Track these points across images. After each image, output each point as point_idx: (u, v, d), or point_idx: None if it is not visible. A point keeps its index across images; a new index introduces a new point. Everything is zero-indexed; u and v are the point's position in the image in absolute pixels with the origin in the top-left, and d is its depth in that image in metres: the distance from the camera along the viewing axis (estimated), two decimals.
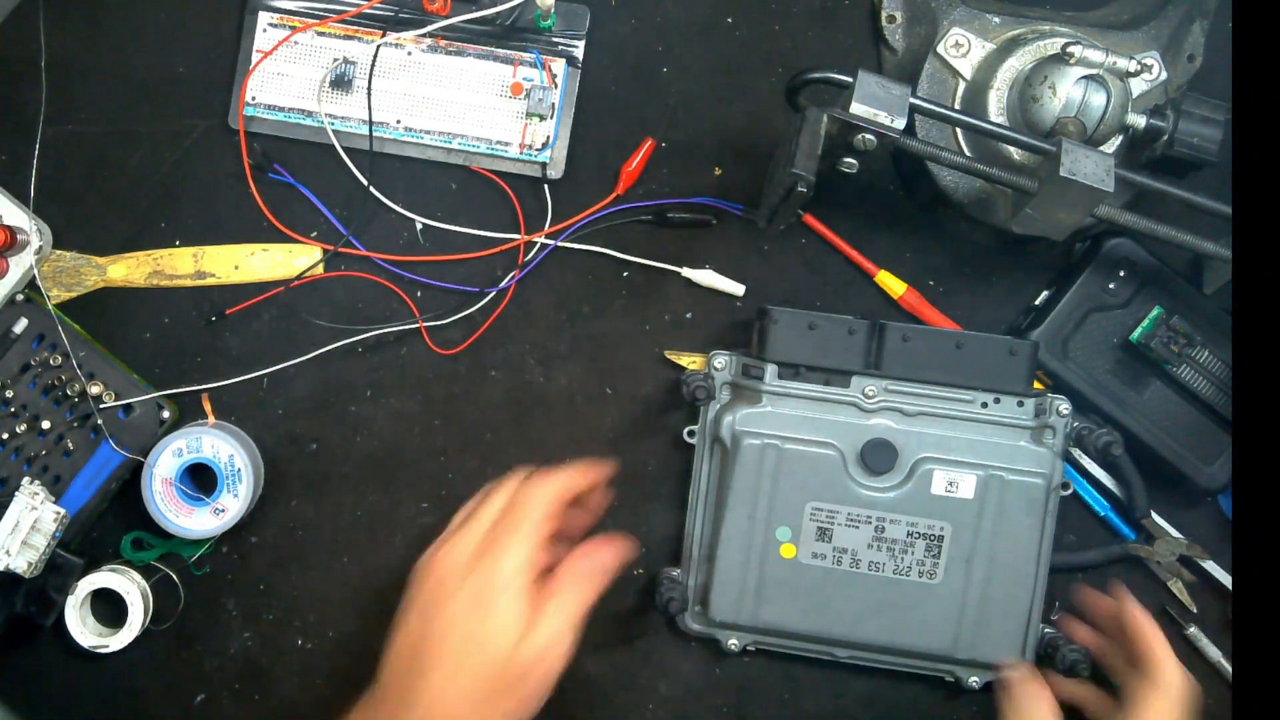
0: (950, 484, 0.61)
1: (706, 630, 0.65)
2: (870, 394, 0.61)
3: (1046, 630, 0.65)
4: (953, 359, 0.61)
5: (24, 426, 0.68)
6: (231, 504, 0.67)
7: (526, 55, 0.70)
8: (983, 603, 0.62)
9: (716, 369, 0.64)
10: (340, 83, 0.69)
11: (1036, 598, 0.63)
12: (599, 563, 0.55)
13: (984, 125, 0.62)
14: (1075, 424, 0.63)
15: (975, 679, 0.64)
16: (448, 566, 0.54)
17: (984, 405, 0.62)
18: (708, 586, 0.63)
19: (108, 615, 0.69)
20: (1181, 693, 0.58)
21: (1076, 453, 0.71)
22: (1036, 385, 0.70)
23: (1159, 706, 0.57)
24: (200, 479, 0.68)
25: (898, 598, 0.62)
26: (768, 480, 0.61)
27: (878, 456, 0.61)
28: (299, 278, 0.70)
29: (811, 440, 0.61)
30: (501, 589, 0.52)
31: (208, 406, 0.70)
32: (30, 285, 0.69)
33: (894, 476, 0.61)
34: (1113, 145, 0.65)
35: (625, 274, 0.71)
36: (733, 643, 0.64)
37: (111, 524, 0.70)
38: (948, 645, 0.62)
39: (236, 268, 0.70)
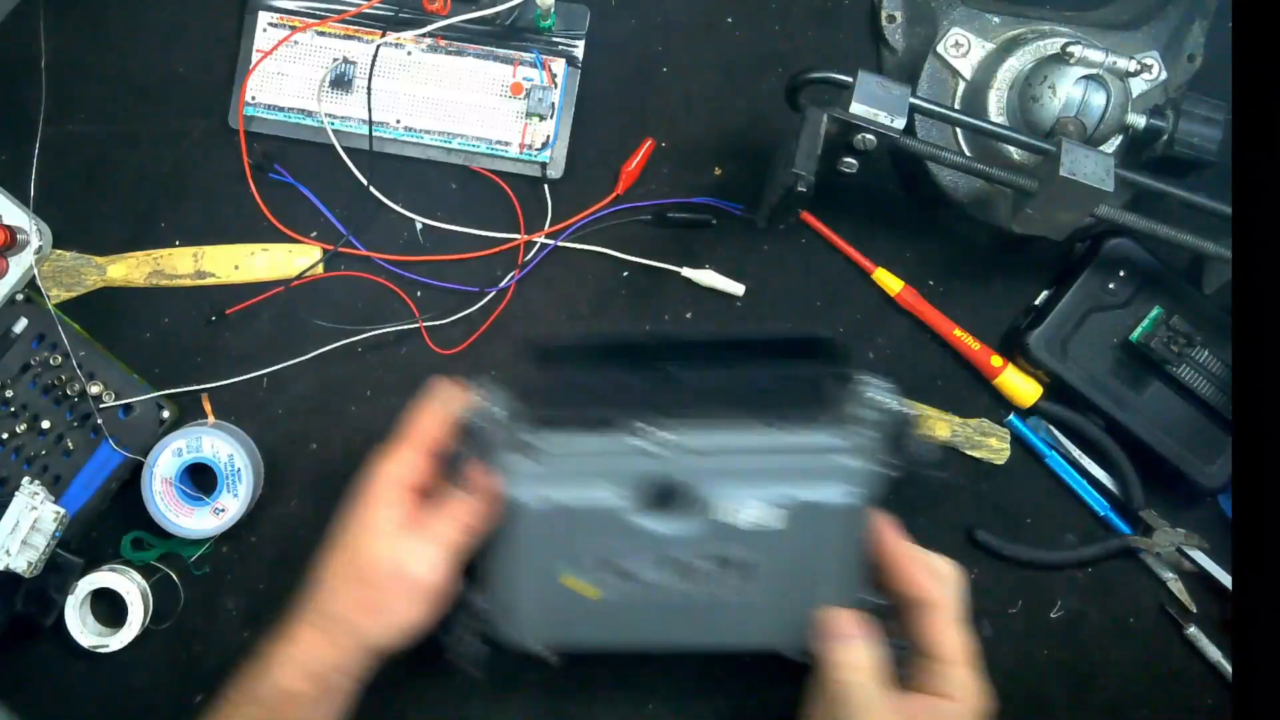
0: (754, 516, 0.55)
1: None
2: (654, 436, 0.55)
3: (867, 599, 0.58)
4: (754, 396, 0.55)
5: (24, 426, 0.68)
6: (231, 504, 0.67)
7: (526, 55, 0.70)
8: (809, 601, 0.56)
9: (489, 413, 0.56)
10: (340, 83, 0.69)
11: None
12: (454, 527, 0.56)
13: (984, 125, 0.62)
14: (896, 411, 0.55)
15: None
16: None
17: (778, 430, 0.56)
18: (510, 617, 0.58)
19: (108, 615, 0.69)
20: (955, 609, 0.55)
21: (1076, 452, 0.71)
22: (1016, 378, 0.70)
23: (955, 638, 0.54)
24: (200, 479, 0.68)
25: (716, 615, 0.57)
26: (553, 536, 0.56)
27: (668, 500, 0.55)
28: (299, 277, 0.70)
29: (593, 490, 0.55)
30: (371, 490, 0.56)
31: (207, 406, 0.70)
32: (30, 285, 0.69)
33: (690, 515, 0.55)
34: (1113, 145, 0.65)
35: (625, 274, 0.71)
36: (553, 657, 0.59)
37: (111, 524, 0.69)
38: (784, 639, 0.58)
39: (236, 268, 0.70)
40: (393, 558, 0.55)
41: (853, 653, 0.54)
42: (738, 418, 0.55)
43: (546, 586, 0.56)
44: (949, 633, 0.54)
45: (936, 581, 0.55)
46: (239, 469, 0.67)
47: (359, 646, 0.56)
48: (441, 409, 0.58)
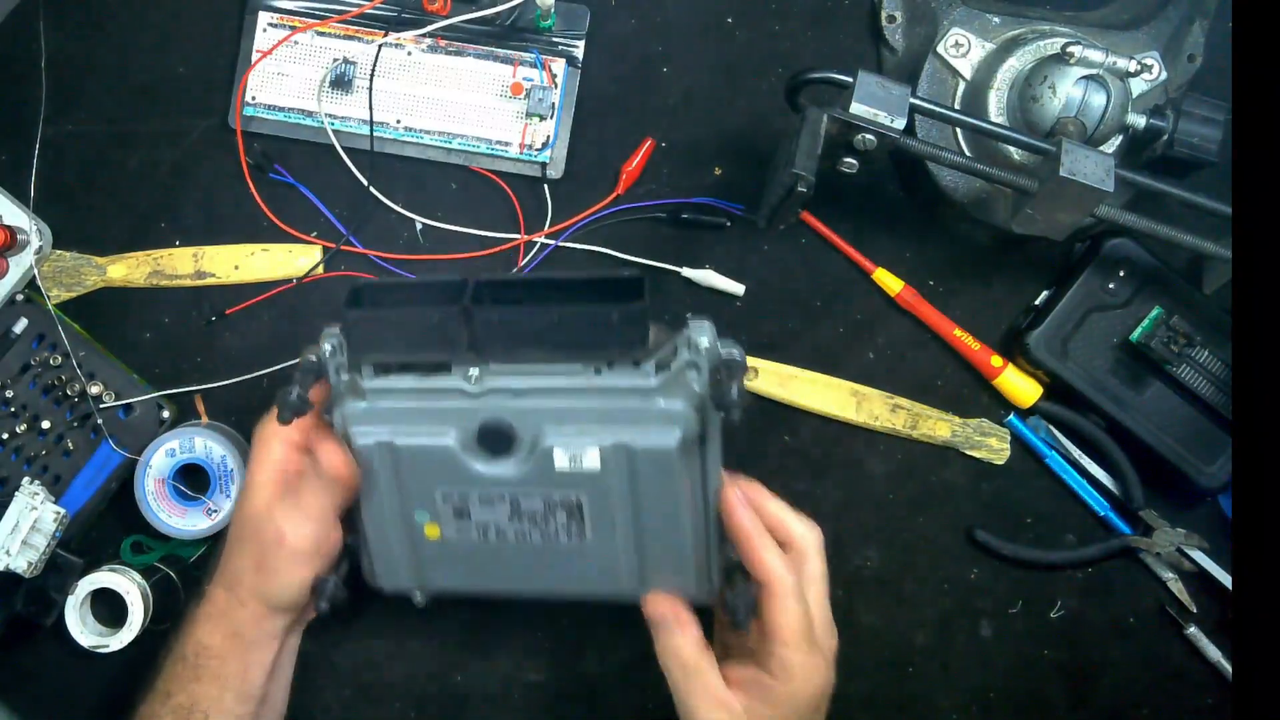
0: (573, 458, 0.55)
1: (389, 590, 0.62)
2: (473, 378, 0.55)
3: (732, 557, 0.57)
4: (552, 333, 0.54)
5: (24, 426, 0.68)
6: (224, 505, 0.67)
7: (526, 55, 0.70)
8: (641, 551, 0.57)
9: (326, 354, 0.57)
10: (340, 83, 0.69)
11: (710, 528, 0.57)
12: (335, 473, 0.57)
13: (984, 125, 0.62)
14: (720, 354, 0.54)
15: None
16: None
17: (597, 372, 0.55)
18: (371, 560, 0.61)
19: (108, 615, 0.69)
20: (789, 591, 0.53)
21: (1075, 451, 0.71)
22: (1008, 371, 0.70)
23: (783, 619, 0.53)
24: (195, 479, 0.68)
25: (554, 559, 0.58)
26: (390, 474, 0.57)
27: (493, 440, 0.56)
28: (305, 276, 0.70)
29: (424, 431, 0.56)
30: (256, 454, 0.58)
31: (201, 407, 0.70)
32: (30, 285, 0.69)
33: (516, 456, 0.56)
34: (1113, 145, 0.65)
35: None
36: (418, 596, 0.61)
37: (111, 524, 0.70)
38: (618, 589, 0.59)
39: (236, 268, 0.70)
40: (273, 525, 0.57)
41: (670, 638, 0.55)
42: (561, 360, 0.55)
43: (397, 526, 0.59)
44: (782, 612, 0.53)
45: (774, 559, 0.54)
46: (232, 470, 0.67)
47: (262, 604, 0.59)
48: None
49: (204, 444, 0.67)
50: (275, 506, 0.57)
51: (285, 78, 0.70)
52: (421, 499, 0.58)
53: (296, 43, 0.70)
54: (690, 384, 0.54)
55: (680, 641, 0.55)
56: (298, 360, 0.57)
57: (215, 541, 0.69)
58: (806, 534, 0.56)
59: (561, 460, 0.56)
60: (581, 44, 0.70)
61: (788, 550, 0.55)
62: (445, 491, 0.58)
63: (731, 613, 0.55)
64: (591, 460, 0.55)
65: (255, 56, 0.70)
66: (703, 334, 0.53)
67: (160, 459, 0.67)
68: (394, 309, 0.56)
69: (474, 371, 0.56)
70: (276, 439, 0.58)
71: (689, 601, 0.58)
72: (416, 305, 0.56)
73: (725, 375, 0.52)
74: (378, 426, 0.57)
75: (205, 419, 0.70)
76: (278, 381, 0.70)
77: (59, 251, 0.69)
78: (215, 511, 0.67)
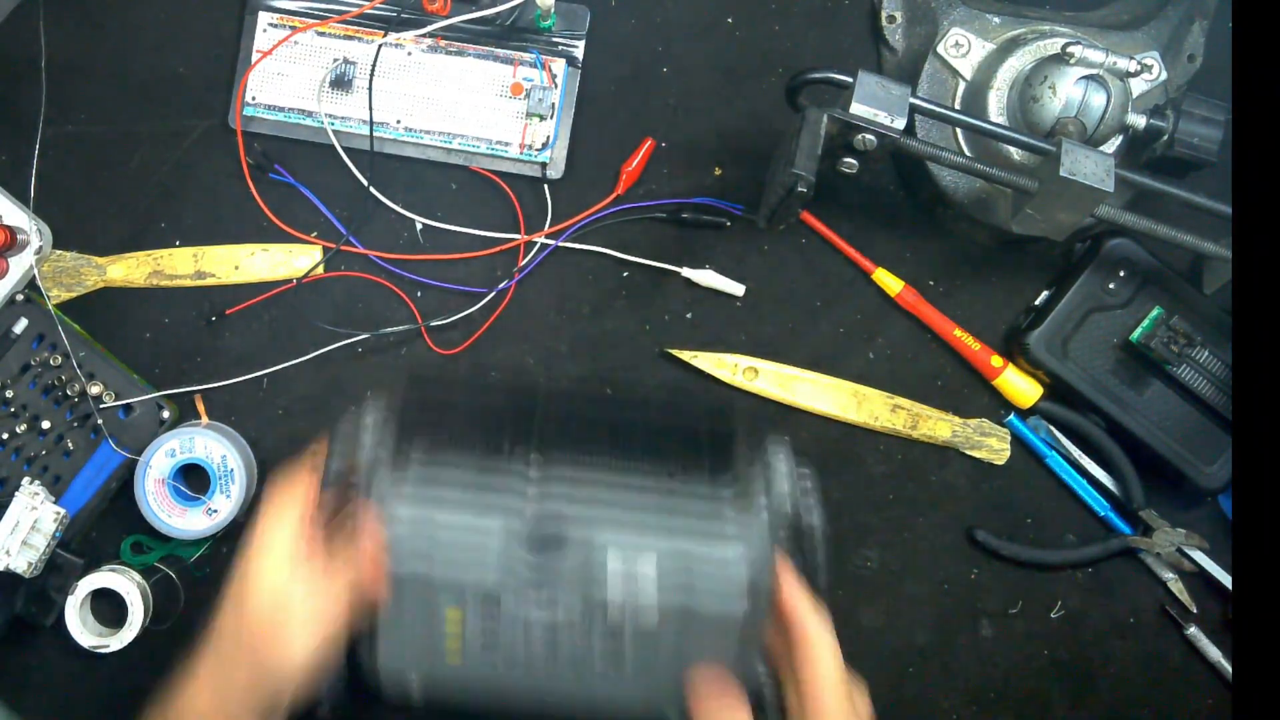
0: (628, 566, 0.49)
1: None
2: (533, 474, 0.50)
3: (762, 670, 0.53)
4: (623, 431, 0.50)
5: (24, 426, 0.68)
6: (224, 505, 0.67)
7: (526, 55, 0.70)
8: (678, 683, 0.51)
9: (365, 427, 0.52)
10: (340, 83, 0.69)
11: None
12: (362, 564, 0.52)
13: (984, 125, 0.62)
14: (799, 486, 0.51)
15: None
16: None
17: (670, 474, 0.50)
18: (376, 653, 0.53)
19: (108, 615, 0.69)
20: (831, 650, 0.51)
21: (1075, 451, 0.71)
22: (1014, 371, 0.70)
23: (825, 672, 0.50)
24: (195, 480, 0.68)
25: (579, 683, 0.51)
26: (424, 561, 0.50)
27: (543, 544, 0.49)
28: (304, 276, 0.70)
29: (468, 525, 0.50)
30: (267, 516, 0.52)
31: (201, 407, 0.70)
32: (30, 285, 0.69)
33: (565, 558, 0.49)
34: (1113, 145, 0.65)
35: (625, 274, 0.71)
36: (415, 693, 0.54)
37: (111, 524, 0.69)
38: (644, 712, 0.52)
39: (236, 268, 0.70)
40: (279, 597, 0.51)
41: (725, 715, 0.51)
42: (630, 463, 0.50)
43: (417, 620, 0.51)
44: (823, 675, 0.50)
45: (820, 626, 0.51)
46: (232, 469, 0.67)
47: (258, 691, 0.52)
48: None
49: (204, 444, 0.67)
50: (286, 577, 0.51)
51: (285, 78, 0.70)
52: (453, 589, 0.51)
53: (296, 43, 0.70)
54: (761, 508, 0.50)
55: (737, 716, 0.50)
56: (335, 428, 0.52)
57: (217, 542, 0.69)
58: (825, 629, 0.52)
59: (614, 565, 0.49)
60: (581, 44, 0.70)
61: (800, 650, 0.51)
62: (481, 586, 0.50)
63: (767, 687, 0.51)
64: (646, 567, 0.49)
65: (255, 56, 0.70)
66: (779, 458, 0.50)
67: (160, 459, 0.67)
68: (466, 402, 0.51)
69: (533, 467, 0.50)
70: (292, 505, 0.53)
71: None
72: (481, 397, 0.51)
73: (803, 542, 0.49)
74: (419, 510, 0.50)
75: (205, 419, 0.70)
76: (278, 382, 0.70)
77: (59, 251, 0.69)
78: (215, 511, 0.67)
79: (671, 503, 0.49)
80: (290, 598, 0.51)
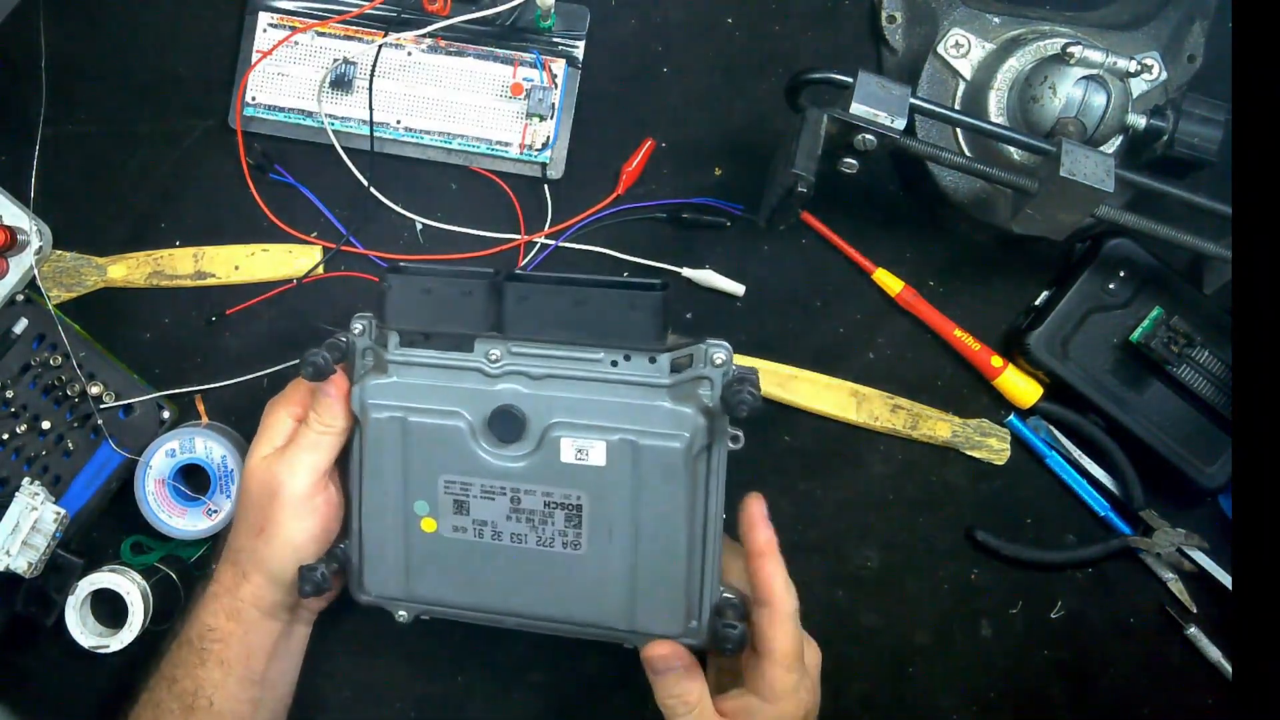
0: (580, 451, 0.56)
1: (373, 601, 0.61)
2: (494, 358, 0.57)
3: (725, 595, 0.58)
4: (576, 316, 0.56)
5: (24, 427, 0.68)
6: (224, 505, 0.67)
7: (526, 55, 0.70)
8: (634, 572, 0.57)
9: (356, 334, 0.60)
10: (340, 83, 0.69)
11: (705, 563, 0.57)
12: (331, 412, 0.59)
13: (984, 125, 0.62)
14: (733, 371, 0.56)
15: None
16: None
17: (614, 364, 0.56)
18: (361, 561, 0.61)
19: (108, 615, 0.69)
20: (790, 613, 0.55)
21: (1075, 451, 0.71)
22: (1023, 379, 0.70)
23: (782, 637, 0.55)
24: (195, 480, 0.68)
25: (544, 570, 0.58)
26: (398, 453, 0.58)
27: (504, 425, 0.57)
28: (305, 276, 0.70)
29: (438, 410, 0.57)
30: (261, 427, 0.61)
31: (201, 407, 0.70)
32: (30, 285, 0.69)
33: (524, 445, 0.57)
34: (1113, 145, 0.65)
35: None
36: (401, 614, 0.61)
37: (111, 524, 0.70)
38: (606, 617, 0.58)
39: (236, 268, 0.70)
40: (269, 479, 0.59)
41: (676, 684, 0.56)
42: (581, 343, 0.57)
43: (396, 515, 0.59)
44: (782, 634, 0.54)
45: (783, 580, 0.55)
46: (232, 469, 0.67)
47: (264, 576, 0.59)
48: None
49: (204, 444, 0.67)
50: (273, 462, 0.59)
51: (285, 78, 0.70)
52: (424, 487, 0.58)
53: (296, 43, 0.70)
54: (701, 396, 0.56)
55: (687, 686, 0.56)
56: (315, 348, 0.58)
57: (217, 542, 0.69)
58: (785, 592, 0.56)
59: (568, 452, 0.56)
60: (581, 44, 0.70)
61: (763, 607, 0.56)
62: (449, 480, 0.58)
63: (722, 641, 0.55)
64: (597, 455, 0.56)
65: (255, 57, 0.70)
66: (720, 350, 0.55)
67: (160, 459, 0.67)
68: (430, 277, 0.58)
69: (495, 352, 0.57)
70: (282, 410, 0.61)
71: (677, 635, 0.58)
72: (451, 279, 0.58)
73: (738, 383, 0.53)
74: (394, 402, 0.58)
75: (205, 419, 0.70)
76: (278, 382, 0.70)
77: (59, 252, 0.69)
78: (215, 512, 0.67)
79: (617, 394, 0.56)
80: (278, 477, 0.58)
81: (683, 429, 0.56)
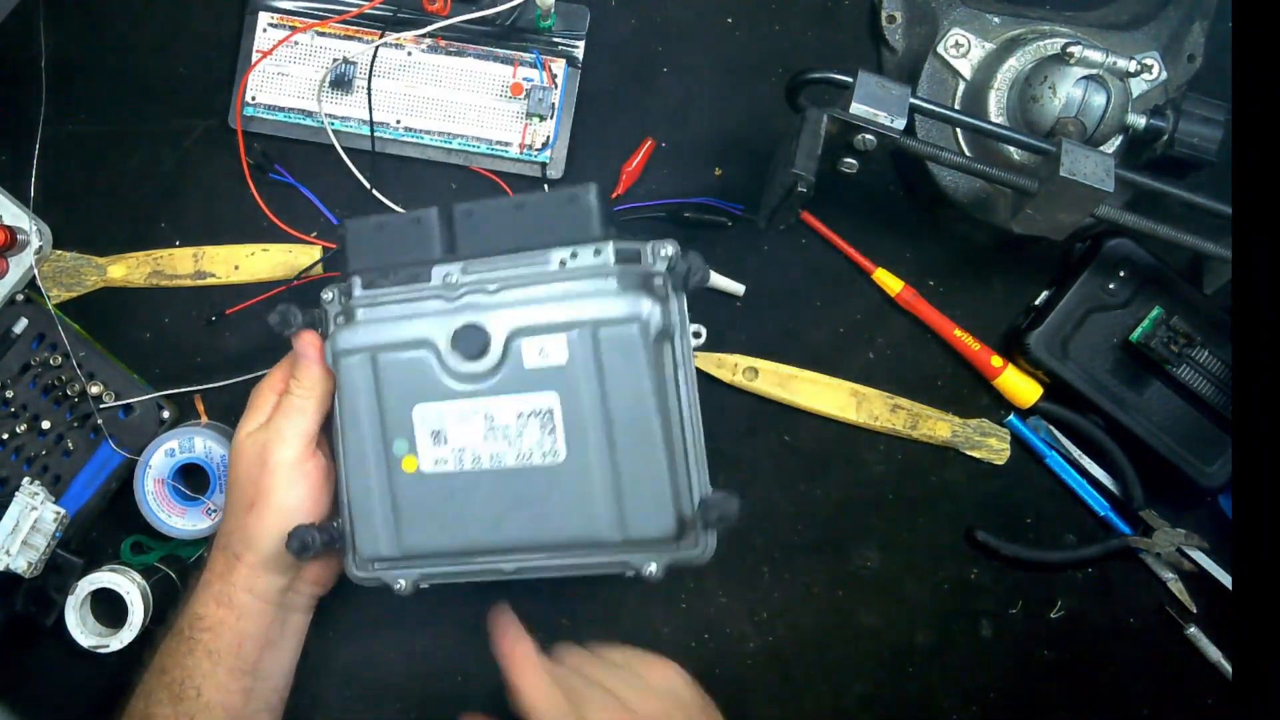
0: (541, 351, 0.57)
1: (370, 575, 0.60)
2: (451, 280, 0.59)
3: (714, 493, 0.58)
4: (520, 224, 0.59)
5: (24, 426, 0.68)
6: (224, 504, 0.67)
7: (526, 55, 0.70)
8: (616, 471, 0.57)
9: (326, 301, 0.61)
10: (340, 83, 0.69)
11: (688, 457, 0.58)
12: (310, 375, 0.60)
13: (984, 125, 0.62)
14: (682, 263, 0.58)
15: (652, 566, 0.57)
16: None
17: (562, 263, 0.58)
18: (351, 525, 0.60)
19: (108, 615, 0.69)
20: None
21: (1075, 451, 0.71)
22: (1016, 378, 0.70)
23: None
24: (195, 479, 0.68)
25: (529, 487, 0.58)
26: (371, 395, 0.59)
27: (466, 341, 0.57)
28: (299, 277, 0.70)
29: (404, 342, 0.58)
30: (248, 406, 0.62)
31: (200, 407, 0.70)
32: (30, 285, 0.69)
33: (489, 359, 0.57)
34: (1113, 145, 0.65)
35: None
36: (400, 583, 0.60)
37: (111, 524, 0.70)
38: (597, 528, 0.57)
39: (236, 268, 0.70)
40: (258, 450, 0.59)
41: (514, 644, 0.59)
42: (529, 247, 0.59)
43: (379, 465, 0.59)
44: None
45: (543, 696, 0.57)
46: None
47: (254, 552, 0.59)
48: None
49: (204, 444, 0.67)
50: (259, 434, 0.60)
51: (285, 78, 0.70)
52: (400, 424, 0.58)
53: (296, 43, 0.70)
54: (654, 285, 0.57)
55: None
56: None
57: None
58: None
59: (531, 356, 0.57)
60: (581, 44, 0.70)
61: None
62: (423, 413, 0.58)
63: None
64: (558, 353, 0.57)
65: (255, 57, 0.70)
66: (667, 244, 0.58)
67: (160, 459, 0.67)
68: (382, 216, 0.61)
69: (452, 274, 0.59)
70: (266, 389, 0.61)
71: (673, 544, 0.57)
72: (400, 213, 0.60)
73: (685, 258, 0.57)
74: (363, 343, 0.59)
75: (205, 419, 0.70)
76: None
77: (59, 251, 0.69)
78: (215, 511, 0.67)
79: (570, 292, 0.57)
80: (266, 447, 0.59)
81: (636, 310, 0.56)
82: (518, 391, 0.57)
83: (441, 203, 0.60)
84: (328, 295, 0.61)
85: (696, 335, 0.61)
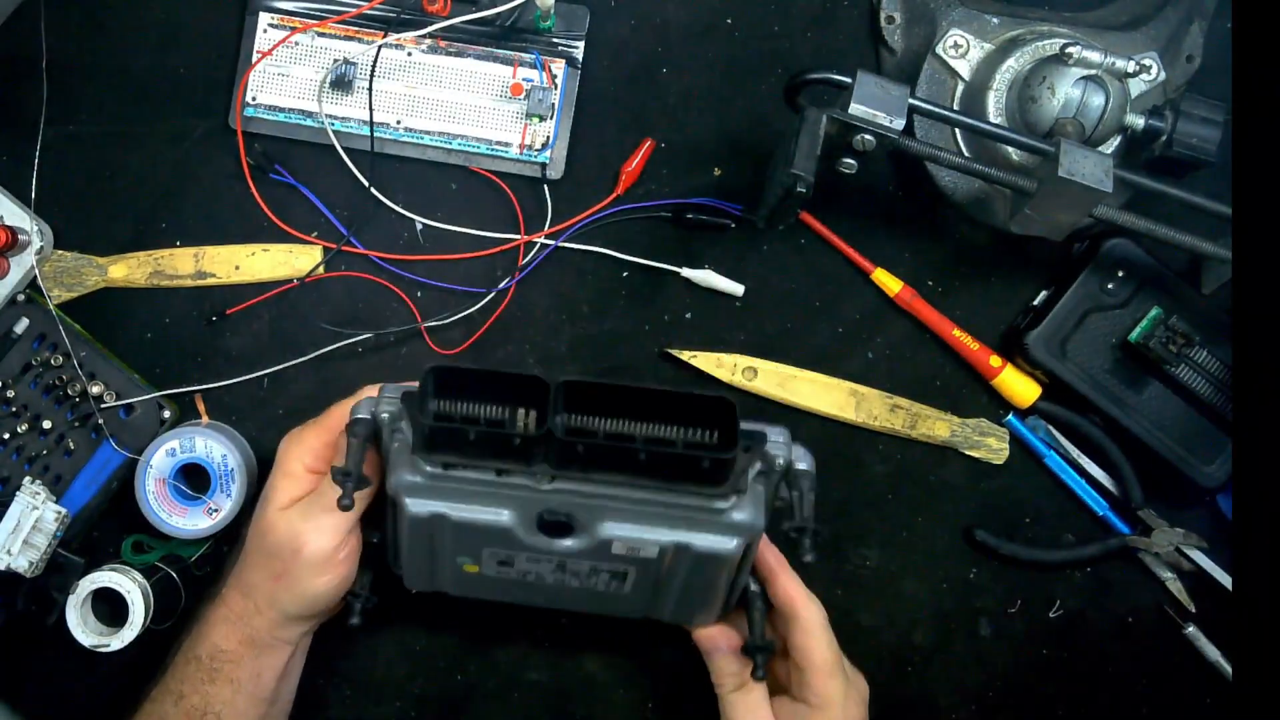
0: (631, 549, 0.54)
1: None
2: (543, 481, 0.53)
3: (753, 589, 0.59)
4: (639, 467, 0.52)
5: (25, 426, 0.68)
6: (225, 504, 0.67)
7: (526, 56, 0.70)
8: (675, 604, 0.58)
9: (385, 420, 0.55)
10: (340, 83, 0.70)
11: (738, 573, 0.57)
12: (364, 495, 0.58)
13: (982, 126, 0.62)
14: (790, 454, 0.54)
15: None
16: None
17: (670, 490, 0.53)
18: (401, 564, 0.59)
19: (109, 615, 0.69)
20: (820, 623, 0.58)
21: (1074, 451, 0.71)
22: (1013, 379, 0.70)
23: (818, 646, 0.58)
24: (195, 479, 0.68)
25: (588, 598, 0.58)
26: (440, 537, 0.55)
27: (552, 529, 0.54)
28: (305, 276, 0.70)
29: (481, 510, 0.53)
30: (277, 468, 0.60)
31: (201, 407, 0.70)
32: (31, 285, 0.69)
33: (574, 544, 0.54)
34: (1111, 146, 0.65)
35: (625, 274, 0.71)
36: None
37: (112, 523, 0.70)
38: (644, 614, 0.60)
39: (237, 268, 0.70)
40: (292, 535, 0.57)
41: (726, 662, 0.60)
42: (643, 489, 0.53)
43: (431, 558, 0.57)
44: (815, 644, 0.58)
45: (801, 592, 0.59)
46: (232, 469, 0.67)
47: (278, 613, 0.59)
48: (351, 400, 0.60)
49: (205, 444, 0.67)
50: (295, 517, 0.57)
51: (285, 78, 0.70)
52: (467, 550, 0.56)
53: (296, 43, 0.70)
54: (759, 491, 0.53)
55: (738, 666, 0.59)
56: (350, 410, 0.55)
57: (218, 541, 0.69)
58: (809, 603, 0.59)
59: (619, 548, 0.54)
60: (581, 44, 0.70)
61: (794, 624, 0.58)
62: (492, 551, 0.56)
63: (751, 655, 0.58)
64: (649, 551, 0.54)
65: (255, 57, 0.70)
66: (780, 450, 0.54)
67: (161, 458, 0.67)
68: (474, 426, 0.51)
69: (545, 479, 0.53)
70: (299, 459, 0.59)
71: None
72: (495, 403, 0.52)
73: (793, 493, 0.53)
74: (433, 501, 0.53)
75: (206, 419, 0.70)
76: (278, 382, 0.70)
77: (60, 252, 0.70)
78: (216, 511, 0.67)
79: (673, 507, 0.53)
80: (301, 537, 0.57)
81: (739, 534, 0.53)
82: (595, 560, 0.55)
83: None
84: (385, 416, 0.55)
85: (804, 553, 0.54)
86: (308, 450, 0.59)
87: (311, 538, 0.57)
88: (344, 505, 0.52)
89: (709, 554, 0.54)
